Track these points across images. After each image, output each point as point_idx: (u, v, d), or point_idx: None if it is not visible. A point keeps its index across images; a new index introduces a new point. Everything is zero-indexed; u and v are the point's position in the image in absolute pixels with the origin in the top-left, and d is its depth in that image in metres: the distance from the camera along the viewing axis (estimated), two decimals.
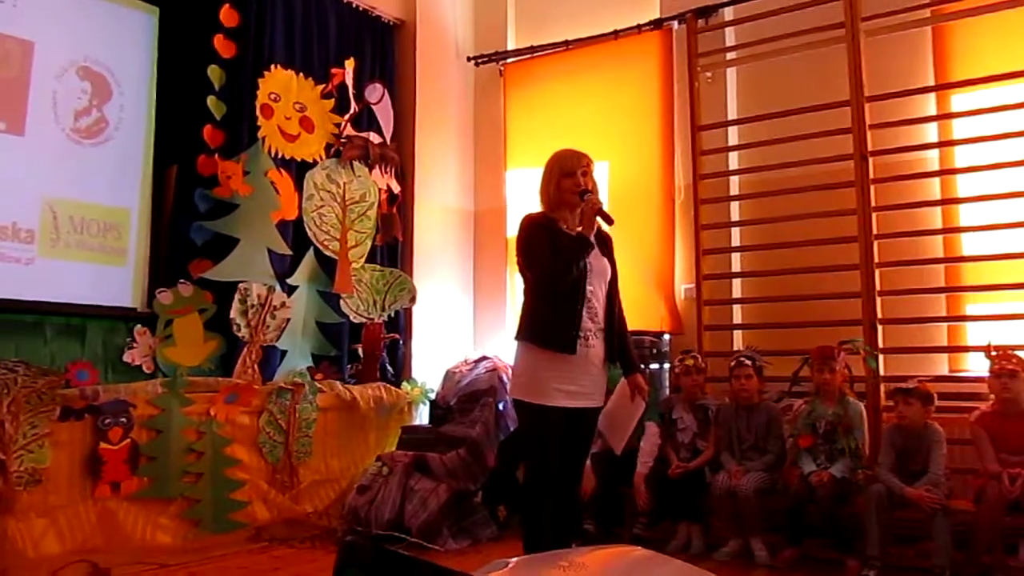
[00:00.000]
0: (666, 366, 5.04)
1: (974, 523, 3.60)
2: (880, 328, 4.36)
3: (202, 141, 4.62)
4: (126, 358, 4.32)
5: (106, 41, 4.47)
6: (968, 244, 4.45)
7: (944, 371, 4.43)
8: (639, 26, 5.41)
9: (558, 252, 3.05)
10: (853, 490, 3.85)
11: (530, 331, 3.14)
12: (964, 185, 4.47)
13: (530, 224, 3.17)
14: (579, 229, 3.11)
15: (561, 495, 3.13)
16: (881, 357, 4.33)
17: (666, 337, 5.11)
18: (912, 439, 3.80)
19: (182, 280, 4.50)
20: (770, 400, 4.33)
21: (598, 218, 3.14)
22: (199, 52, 4.69)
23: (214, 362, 4.59)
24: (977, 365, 4.13)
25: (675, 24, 5.28)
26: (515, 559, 1.28)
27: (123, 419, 3.98)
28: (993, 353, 3.78)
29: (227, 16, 4.72)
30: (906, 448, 3.82)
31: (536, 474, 3.13)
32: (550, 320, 3.08)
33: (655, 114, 5.38)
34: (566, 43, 5.70)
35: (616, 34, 5.49)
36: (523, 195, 5.54)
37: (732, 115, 5.14)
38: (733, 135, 5.11)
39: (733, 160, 5.09)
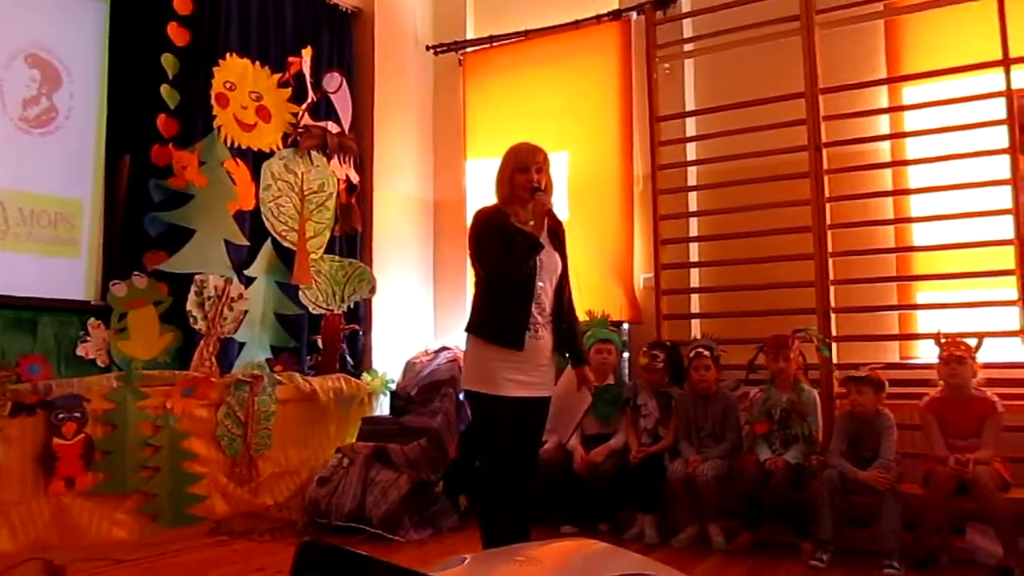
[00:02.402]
0: (626, 356, 5.09)
1: (923, 506, 3.70)
2: (833, 316, 4.44)
3: (155, 130, 4.52)
4: (79, 352, 4.24)
5: (55, 28, 4.36)
6: (919, 234, 4.55)
7: (895, 358, 4.54)
8: (598, 16, 5.43)
9: (509, 251, 3.08)
10: (807, 475, 3.94)
11: (479, 325, 3.19)
12: (915, 176, 4.57)
13: (481, 219, 3.21)
14: (530, 227, 3.14)
15: (517, 484, 3.16)
16: (834, 345, 4.41)
17: (625, 326, 5.16)
18: (864, 425, 3.89)
19: (136, 272, 4.42)
20: (727, 388, 4.39)
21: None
22: (152, 40, 4.59)
23: (170, 355, 4.52)
24: (927, 352, 4.23)
25: (634, 15, 5.31)
26: (470, 555, 1.29)
27: (77, 414, 3.91)
28: (942, 340, 3.87)
29: (181, 3, 4.61)
30: (859, 434, 3.91)
31: (492, 464, 3.16)
32: (499, 316, 3.13)
33: (614, 104, 5.40)
34: (526, 33, 5.70)
35: (576, 24, 5.50)
36: (482, 185, 5.53)
37: (690, 106, 5.18)
38: (691, 126, 5.16)
39: (691, 151, 5.14)
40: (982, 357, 3.82)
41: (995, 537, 3.56)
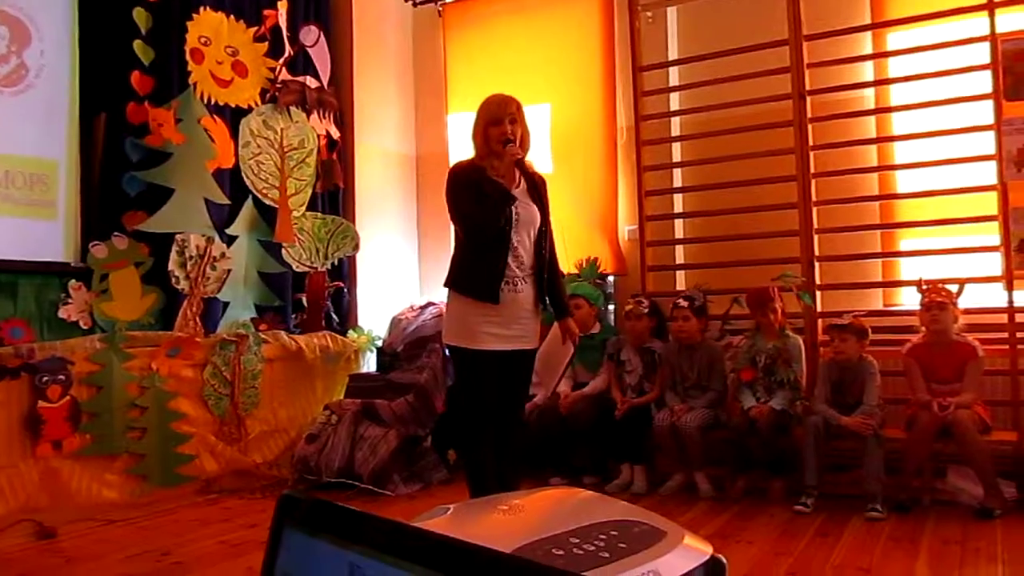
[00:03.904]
0: (611, 307, 5.10)
1: (905, 449, 3.75)
2: (817, 265, 4.46)
3: (130, 88, 4.44)
4: (61, 314, 4.21)
5: None
6: (902, 181, 4.55)
7: (879, 305, 4.56)
8: None
9: (481, 203, 3.07)
10: (792, 421, 3.99)
11: (457, 279, 3.20)
12: (899, 123, 4.55)
13: (455, 174, 3.21)
14: (502, 179, 3.13)
15: (501, 438, 3.18)
16: (818, 293, 4.43)
17: (610, 279, 5.17)
18: (847, 372, 3.93)
19: (116, 233, 4.37)
20: (712, 339, 4.42)
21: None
22: None
23: (154, 316, 4.49)
24: (910, 299, 4.25)
25: None
26: (454, 505, 1.29)
27: (61, 376, 3.89)
28: (924, 287, 3.90)
29: None
30: (842, 381, 3.95)
31: (474, 418, 3.19)
32: (475, 269, 3.14)
33: (596, 55, 5.34)
34: None
35: None
36: (465, 138, 5.46)
37: (673, 55, 5.12)
38: (674, 75, 5.11)
39: (674, 101, 5.09)
40: (964, 303, 3.86)
41: (976, 479, 3.63)
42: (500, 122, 3.14)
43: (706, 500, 4.01)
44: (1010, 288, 3.94)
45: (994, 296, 4.03)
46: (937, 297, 3.82)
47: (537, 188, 3.26)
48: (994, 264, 4.05)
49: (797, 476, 3.88)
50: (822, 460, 3.85)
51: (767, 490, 4.01)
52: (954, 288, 3.85)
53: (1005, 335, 3.94)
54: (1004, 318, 3.96)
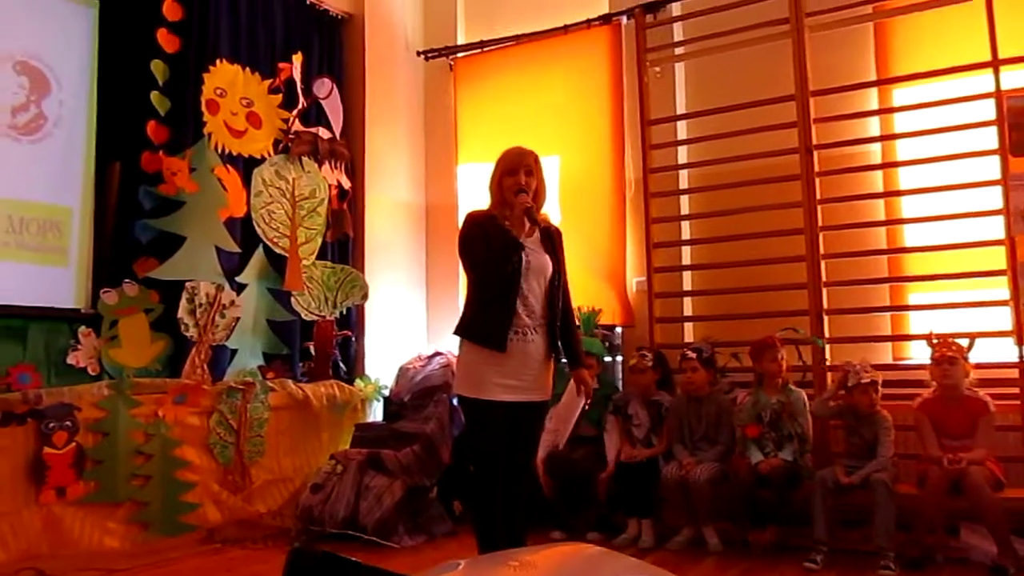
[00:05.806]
0: (619, 359, 5.09)
1: (917, 506, 3.70)
2: (826, 318, 4.45)
3: (146, 137, 4.51)
4: (70, 360, 4.22)
5: (44, 35, 4.34)
6: (910, 235, 4.56)
7: (888, 359, 4.54)
8: (588, 21, 5.43)
9: (489, 251, 3.09)
10: (803, 475, 3.94)
11: (466, 327, 3.20)
12: (905, 177, 4.58)
13: (469, 222, 3.23)
14: (509, 227, 3.15)
15: (509, 491, 3.15)
16: (827, 346, 4.41)
17: (618, 330, 5.16)
18: (863, 422, 3.89)
19: (127, 280, 4.40)
20: (721, 391, 4.39)
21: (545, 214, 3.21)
22: (141, 46, 4.58)
23: (162, 363, 4.50)
24: (920, 353, 4.23)
25: (624, 19, 5.32)
26: (464, 560, 1.28)
27: (68, 423, 3.88)
28: (934, 341, 3.88)
29: (170, 9, 4.61)
30: (857, 430, 3.91)
31: (482, 470, 3.16)
32: (484, 317, 3.14)
33: (605, 108, 5.41)
34: (516, 38, 5.70)
35: (566, 29, 5.50)
36: (474, 190, 5.53)
37: (681, 109, 5.19)
38: (682, 129, 5.17)
39: (682, 154, 5.14)
40: (974, 357, 3.83)
41: (989, 536, 3.57)
42: (515, 172, 3.17)
43: (715, 555, 3.95)
44: (1020, 343, 3.92)
45: (1005, 351, 4.01)
46: (948, 352, 3.80)
47: (552, 239, 3.27)
48: (1004, 318, 4.03)
49: (807, 531, 3.83)
50: (832, 515, 3.80)
51: (780, 547, 3.95)
52: (964, 342, 3.83)
53: (1016, 390, 3.91)
54: (1015, 373, 3.94)
